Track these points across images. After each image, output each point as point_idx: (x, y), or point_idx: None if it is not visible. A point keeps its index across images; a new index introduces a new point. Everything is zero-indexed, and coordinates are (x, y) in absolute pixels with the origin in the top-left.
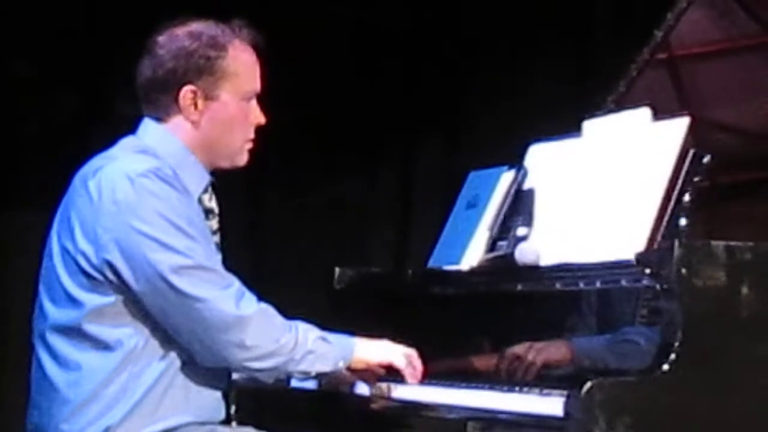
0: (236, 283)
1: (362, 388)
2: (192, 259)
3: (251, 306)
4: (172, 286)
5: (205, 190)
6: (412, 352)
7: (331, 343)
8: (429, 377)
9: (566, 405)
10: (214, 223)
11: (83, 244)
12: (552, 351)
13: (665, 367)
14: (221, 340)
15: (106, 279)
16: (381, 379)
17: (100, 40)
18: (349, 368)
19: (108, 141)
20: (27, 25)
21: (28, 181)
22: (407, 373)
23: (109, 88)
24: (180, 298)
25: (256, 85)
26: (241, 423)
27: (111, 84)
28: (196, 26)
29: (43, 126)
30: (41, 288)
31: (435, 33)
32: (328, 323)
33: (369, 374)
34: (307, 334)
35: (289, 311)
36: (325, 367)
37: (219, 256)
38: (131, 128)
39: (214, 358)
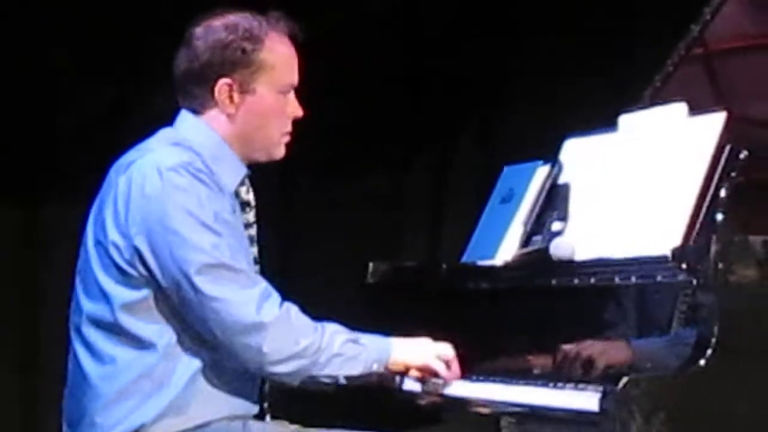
0: (260, 285)
1: (406, 384)
2: (216, 257)
3: (273, 310)
4: (193, 285)
5: (242, 183)
6: (450, 353)
7: (364, 345)
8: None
9: (602, 400)
10: (251, 216)
11: (115, 235)
12: (614, 352)
13: (701, 362)
14: (239, 342)
15: (137, 272)
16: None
17: (137, 32)
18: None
19: (144, 133)
20: (64, 16)
21: (65, 173)
22: (446, 377)
23: (145, 80)
24: (199, 297)
25: (294, 77)
26: (274, 417)
27: (148, 76)
28: (232, 18)
29: (80, 117)
30: (77, 281)
31: (473, 26)
32: (360, 317)
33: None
34: (334, 336)
35: (320, 306)
36: (355, 370)
37: (253, 249)
38: (167, 120)
39: (234, 360)
